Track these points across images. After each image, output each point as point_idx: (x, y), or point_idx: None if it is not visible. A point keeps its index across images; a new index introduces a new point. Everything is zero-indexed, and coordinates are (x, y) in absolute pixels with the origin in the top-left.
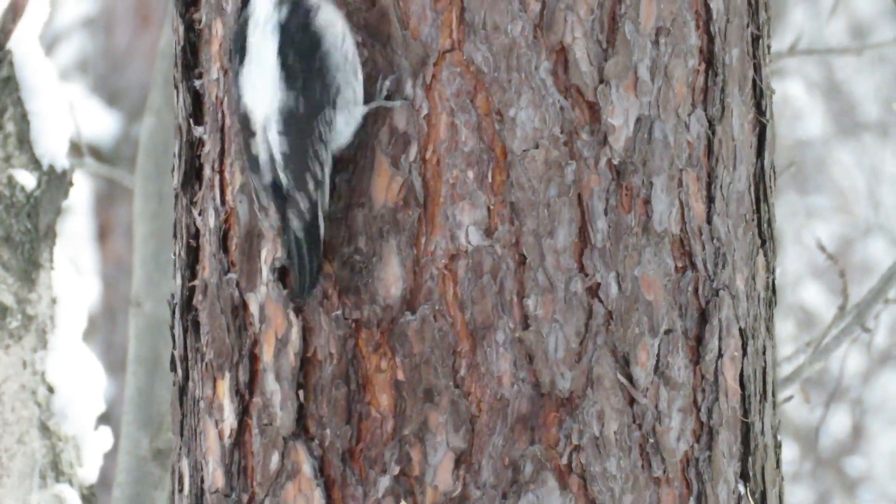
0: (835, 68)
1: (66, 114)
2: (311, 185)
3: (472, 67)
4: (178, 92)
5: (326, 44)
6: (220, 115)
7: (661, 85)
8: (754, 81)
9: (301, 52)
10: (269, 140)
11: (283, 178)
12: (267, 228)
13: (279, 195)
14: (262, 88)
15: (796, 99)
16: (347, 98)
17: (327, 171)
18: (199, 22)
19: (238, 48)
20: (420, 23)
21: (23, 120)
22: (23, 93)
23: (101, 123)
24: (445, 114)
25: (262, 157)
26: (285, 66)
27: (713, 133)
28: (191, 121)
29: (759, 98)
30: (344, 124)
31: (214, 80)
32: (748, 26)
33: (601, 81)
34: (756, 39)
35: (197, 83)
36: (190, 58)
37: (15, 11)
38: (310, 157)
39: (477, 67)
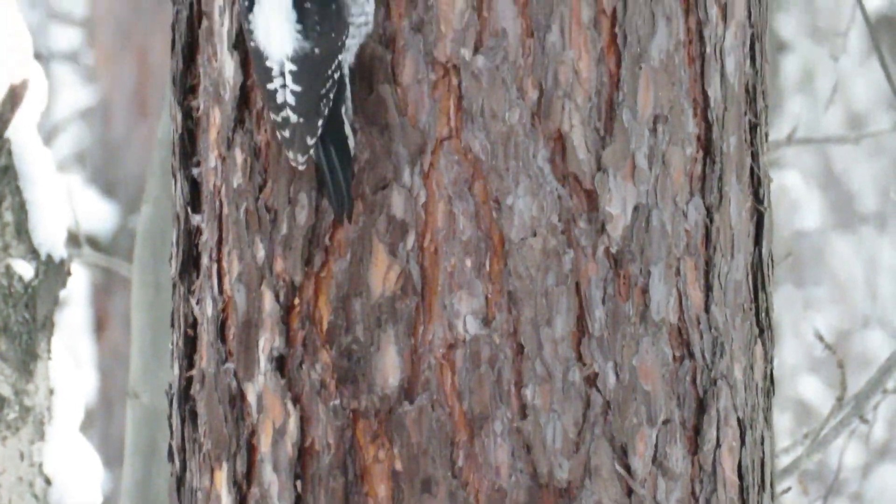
0: (832, 159)
1: (63, 203)
2: (323, 106)
3: (469, 155)
4: (175, 180)
5: None
6: (217, 202)
7: (659, 173)
8: (752, 169)
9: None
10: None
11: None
12: (295, 163)
13: (302, 126)
14: (277, 32)
15: (793, 190)
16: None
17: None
18: (197, 109)
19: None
20: (418, 110)
21: (21, 209)
22: (21, 182)
23: (99, 213)
24: (443, 202)
25: (279, 92)
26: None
27: (711, 221)
28: (188, 209)
29: (757, 186)
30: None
31: (212, 168)
32: (746, 114)
33: (599, 169)
34: (754, 127)
35: (195, 171)
36: (188, 145)
37: (13, 100)
38: (323, 86)
39: (475, 155)
